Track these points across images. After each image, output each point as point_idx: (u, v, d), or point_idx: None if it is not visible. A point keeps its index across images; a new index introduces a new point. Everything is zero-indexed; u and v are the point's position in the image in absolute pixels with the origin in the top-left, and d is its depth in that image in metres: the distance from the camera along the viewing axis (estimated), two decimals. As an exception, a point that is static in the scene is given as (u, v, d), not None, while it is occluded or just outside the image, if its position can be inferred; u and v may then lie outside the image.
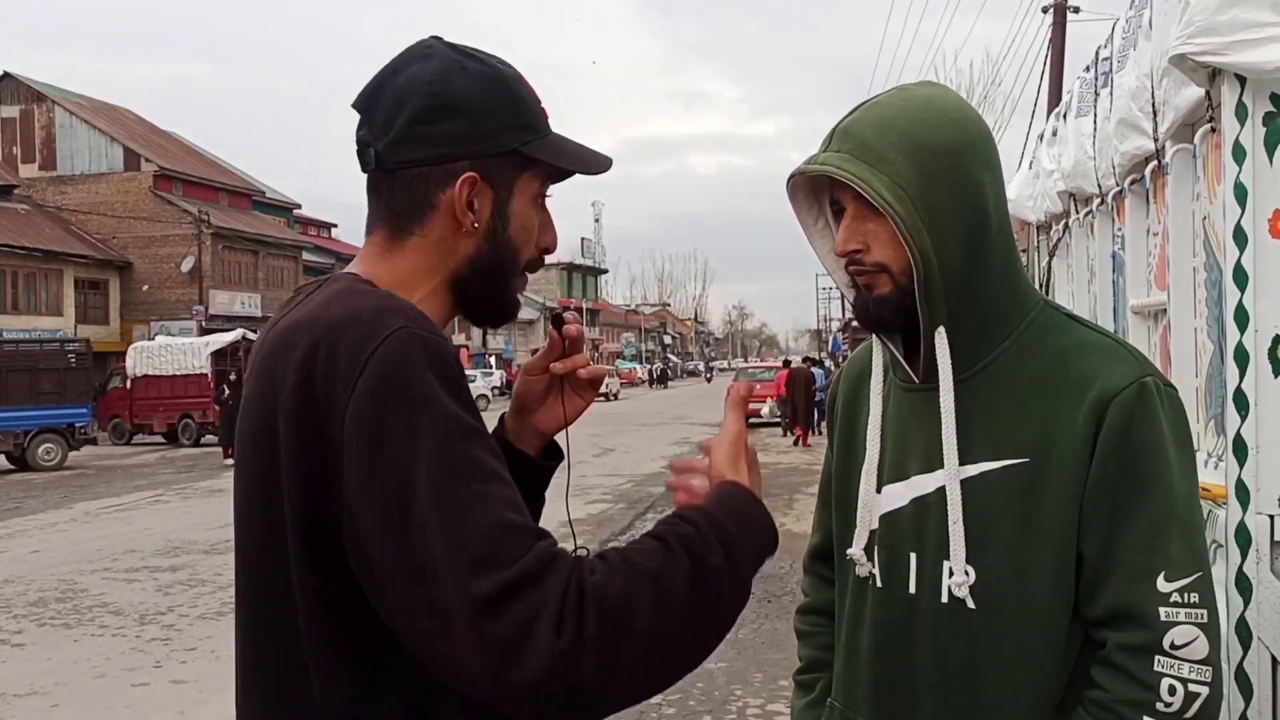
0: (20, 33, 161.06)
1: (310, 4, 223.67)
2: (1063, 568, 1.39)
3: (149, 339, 32.21)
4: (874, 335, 1.55)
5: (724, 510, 1.21)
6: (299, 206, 50.50)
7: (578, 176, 1.41)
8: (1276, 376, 2.29)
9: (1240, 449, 2.28)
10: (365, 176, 1.35)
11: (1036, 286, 6.41)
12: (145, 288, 38.51)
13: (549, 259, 1.47)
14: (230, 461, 20.51)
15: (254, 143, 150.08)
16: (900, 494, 1.50)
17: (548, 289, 77.42)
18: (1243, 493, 2.28)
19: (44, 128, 40.09)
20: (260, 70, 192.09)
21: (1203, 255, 2.67)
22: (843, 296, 1.61)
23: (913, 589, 1.47)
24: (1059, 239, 5.40)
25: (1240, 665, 2.24)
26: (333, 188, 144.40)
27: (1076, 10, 19.75)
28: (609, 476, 16.82)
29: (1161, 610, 1.33)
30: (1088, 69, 4.16)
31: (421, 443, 1.09)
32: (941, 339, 1.42)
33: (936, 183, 1.38)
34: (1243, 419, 2.28)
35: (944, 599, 1.44)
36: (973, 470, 1.42)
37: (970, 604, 1.42)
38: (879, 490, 1.52)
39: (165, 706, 5.92)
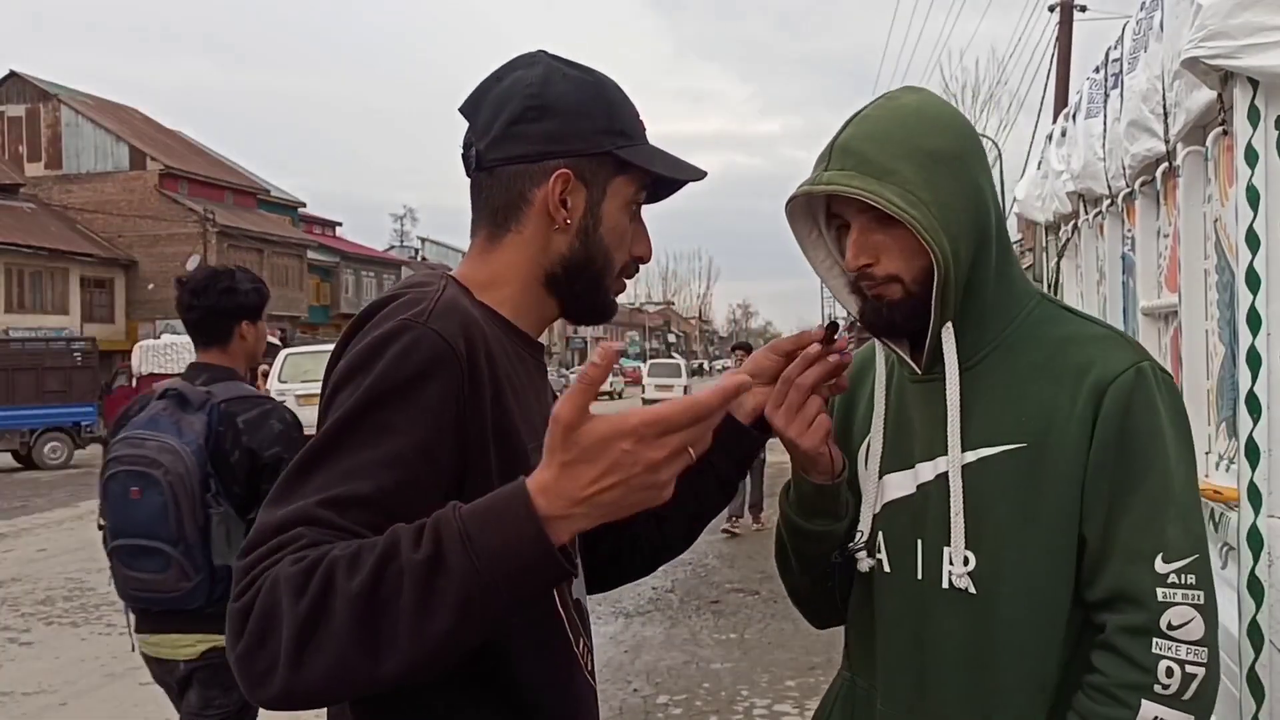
0: (25, 32, 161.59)
1: (312, 4, 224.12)
2: (1064, 551, 1.41)
3: (154, 337, 32.21)
4: (878, 339, 1.56)
5: (473, 509, 1.05)
6: (304, 205, 50.53)
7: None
8: (1289, 379, 2.29)
9: (1252, 452, 2.28)
10: (470, 178, 1.41)
11: (1045, 287, 6.39)
12: (151, 286, 38.56)
13: None
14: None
15: (259, 141, 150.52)
16: (904, 482, 1.52)
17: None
18: (1255, 496, 2.28)
19: (50, 126, 40.15)
20: (265, 69, 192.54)
21: (1214, 258, 2.67)
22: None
23: (920, 575, 1.49)
24: (1068, 240, 5.39)
25: (1252, 668, 2.24)
26: (337, 186, 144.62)
27: (1083, 9, 19.72)
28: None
29: (1159, 591, 1.35)
30: (1097, 70, 4.16)
31: (340, 415, 1.17)
32: (949, 334, 1.44)
33: (942, 186, 1.41)
34: (1255, 422, 2.28)
35: (945, 585, 1.46)
36: (973, 456, 1.45)
37: (971, 590, 1.44)
38: (880, 478, 1.55)
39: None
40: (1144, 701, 1.34)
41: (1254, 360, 2.28)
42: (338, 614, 1.01)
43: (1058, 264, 5.62)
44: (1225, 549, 2.50)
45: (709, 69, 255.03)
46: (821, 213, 1.56)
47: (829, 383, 1.49)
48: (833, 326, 1.49)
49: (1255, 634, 2.25)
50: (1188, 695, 1.33)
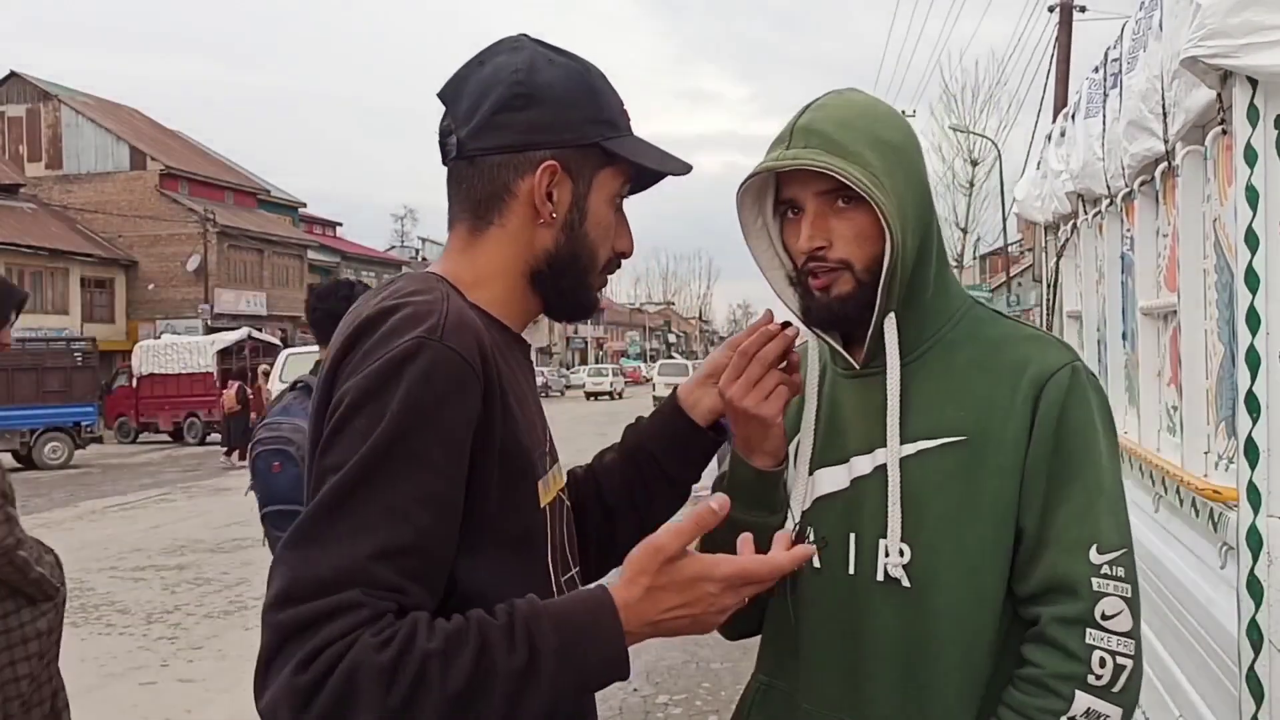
0: (26, 32, 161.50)
1: (314, 3, 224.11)
2: (1000, 543, 1.42)
3: (155, 337, 32.28)
4: (813, 331, 1.56)
5: (565, 617, 1.13)
6: (304, 205, 50.57)
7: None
8: (1288, 379, 2.29)
9: (1252, 451, 2.28)
10: (447, 167, 1.34)
11: (1045, 287, 6.37)
12: (151, 286, 38.59)
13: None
14: (233, 461, 20.55)
15: (259, 141, 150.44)
16: (839, 477, 1.52)
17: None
18: (1254, 495, 2.28)
19: (50, 127, 40.17)
20: (265, 69, 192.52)
21: (1213, 257, 2.67)
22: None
23: (852, 569, 1.49)
24: (1067, 240, 5.39)
25: (1252, 668, 2.24)
26: (337, 187, 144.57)
27: (1083, 9, 19.72)
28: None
29: (1093, 581, 1.38)
30: (1096, 70, 4.16)
31: (359, 451, 1.11)
32: (891, 325, 1.45)
33: (897, 176, 1.43)
34: (1254, 421, 2.28)
35: (880, 578, 1.46)
36: (910, 449, 1.46)
37: (905, 582, 1.44)
38: (811, 474, 1.54)
39: (172, 705, 5.94)
40: (1077, 692, 1.36)
41: (1253, 360, 2.28)
42: (428, 714, 1.05)
43: (1057, 264, 5.63)
44: (1224, 549, 2.50)
45: (709, 69, 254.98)
46: (769, 200, 1.55)
47: (786, 375, 1.49)
48: (786, 324, 1.49)
49: (1255, 634, 2.25)
50: (1118, 687, 1.36)
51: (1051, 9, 20.23)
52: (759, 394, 1.46)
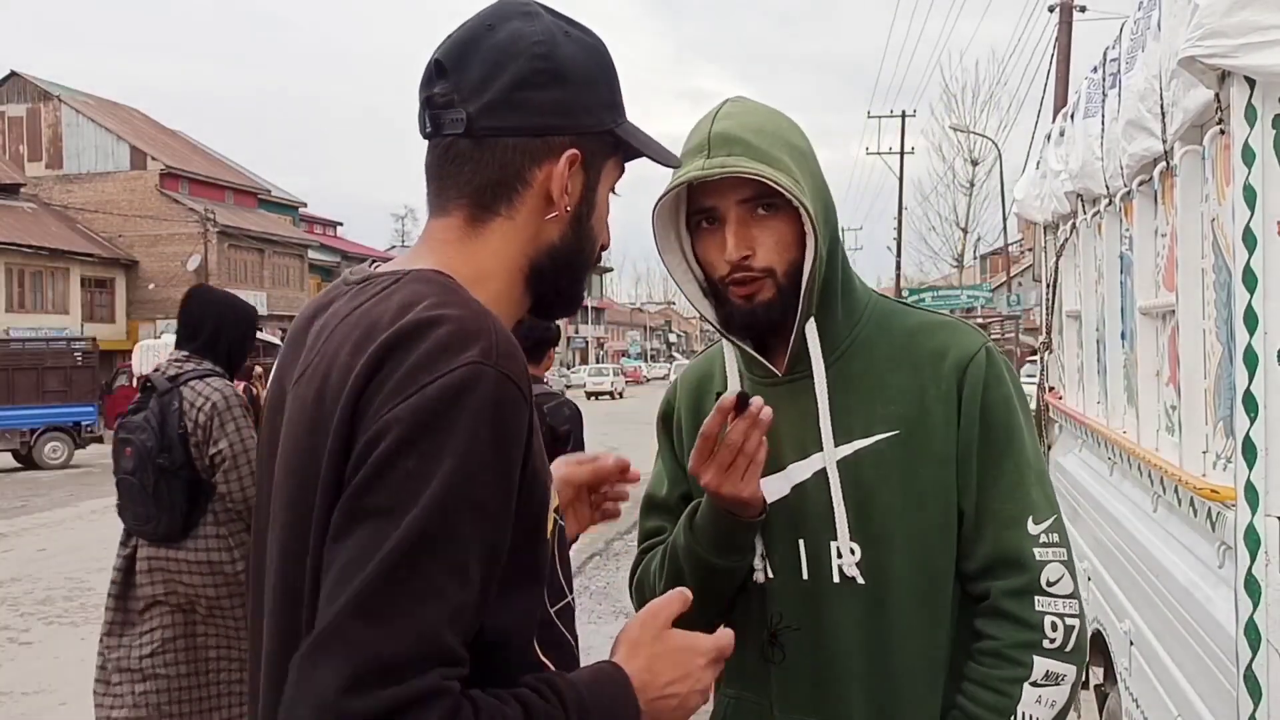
0: (27, 32, 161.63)
1: (313, 4, 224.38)
2: (946, 528, 1.46)
3: (155, 337, 32.25)
4: (725, 339, 1.56)
5: (595, 696, 1.08)
6: (304, 205, 50.55)
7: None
8: (1286, 379, 2.29)
9: (1249, 451, 2.28)
10: (438, 142, 1.18)
11: (1044, 287, 6.37)
12: (151, 286, 38.57)
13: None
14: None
15: (259, 141, 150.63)
16: (779, 485, 1.52)
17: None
18: (1252, 495, 2.28)
19: (50, 126, 40.16)
20: (265, 69, 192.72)
21: (1211, 257, 2.67)
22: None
23: (805, 574, 1.50)
24: (1066, 239, 5.39)
25: (1250, 667, 2.24)
26: (338, 186, 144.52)
27: (1083, 9, 19.72)
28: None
29: (1035, 551, 1.43)
30: (1095, 70, 4.16)
31: (420, 498, 0.97)
32: (812, 329, 1.47)
33: (809, 182, 1.45)
34: (1252, 421, 2.28)
35: (835, 579, 1.48)
36: (847, 450, 1.48)
37: (860, 580, 1.47)
38: None
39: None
40: (1035, 658, 1.41)
41: (1251, 359, 2.28)
42: None
43: (1056, 263, 5.62)
44: (1223, 548, 2.50)
45: (709, 69, 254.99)
46: (682, 211, 1.53)
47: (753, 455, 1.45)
48: (743, 396, 1.44)
49: (1252, 633, 2.25)
50: (1070, 646, 1.42)
51: (1051, 9, 20.23)
52: (735, 476, 1.44)
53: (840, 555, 1.47)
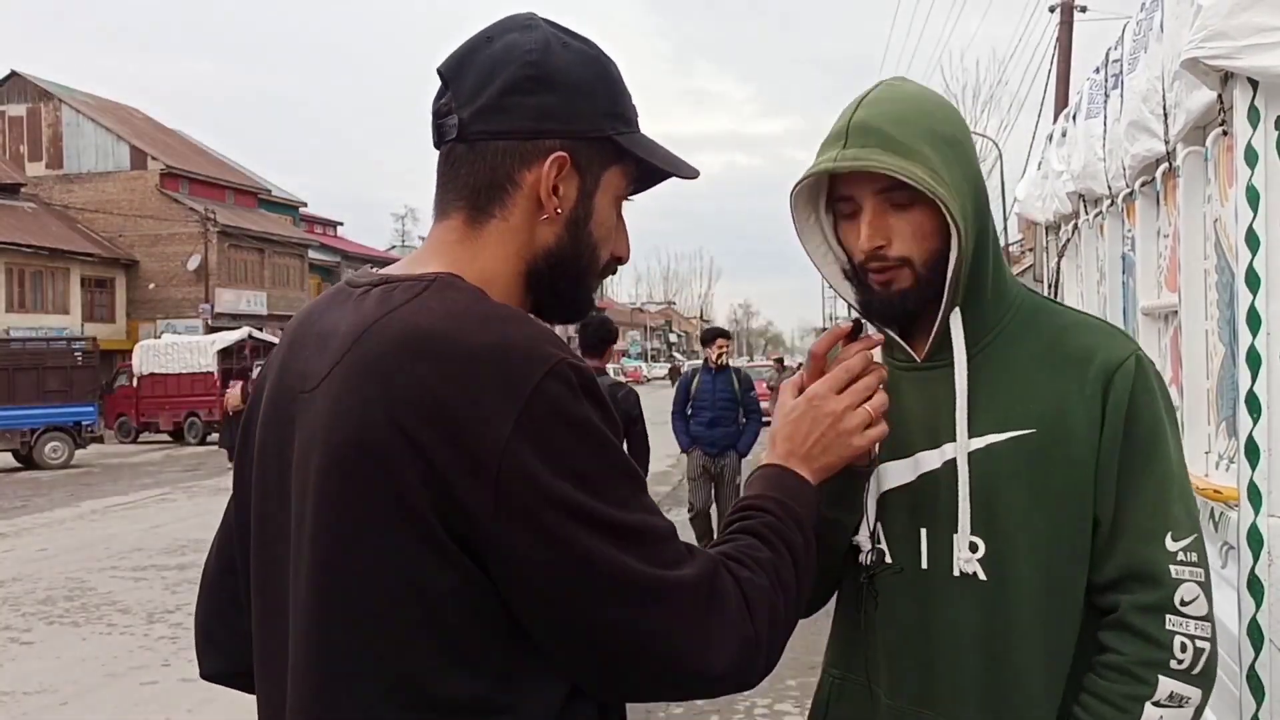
0: (27, 32, 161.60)
1: (313, 4, 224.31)
2: (1077, 534, 1.42)
3: (155, 337, 32.29)
4: (873, 324, 1.54)
5: (788, 495, 1.32)
6: (305, 205, 50.53)
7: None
8: (1289, 379, 2.29)
9: (1252, 451, 2.29)
10: (442, 149, 1.24)
11: (1045, 287, 6.36)
12: (151, 286, 38.58)
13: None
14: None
15: (259, 141, 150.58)
16: (904, 471, 1.51)
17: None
18: (1255, 495, 2.28)
19: (51, 126, 40.16)
20: (265, 69, 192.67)
21: (1214, 258, 2.67)
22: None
23: (925, 564, 1.49)
24: (1068, 240, 5.40)
25: (1252, 667, 2.24)
26: (338, 186, 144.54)
27: (1084, 9, 19.71)
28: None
29: (1171, 569, 1.39)
30: (1097, 70, 4.16)
31: (588, 479, 1.09)
32: (956, 318, 1.46)
33: (955, 170, 1.42)
34: (1255, 421, 2.29)
35: (955, 573, 1.46)
36: (980, 443, 1.45)
37: (981, 576, 1.44)
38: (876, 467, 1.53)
39: (174, 705, 5.92)
40: (1161, 677, 1.37)
41: (1254, 360, 2.29)
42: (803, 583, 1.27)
43: (1058, 264, 5.63)
44: (1225, 548, 2.50)
45: (709, 69, 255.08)
46: (823, 197, 1.53)
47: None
48: (857, 324, 1.49)
49: (1255, 633, 2.25)
50: (1197, 669, 1.38)
51: (1052, 9, 20.21)
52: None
53: (960, 549, 1.45)
